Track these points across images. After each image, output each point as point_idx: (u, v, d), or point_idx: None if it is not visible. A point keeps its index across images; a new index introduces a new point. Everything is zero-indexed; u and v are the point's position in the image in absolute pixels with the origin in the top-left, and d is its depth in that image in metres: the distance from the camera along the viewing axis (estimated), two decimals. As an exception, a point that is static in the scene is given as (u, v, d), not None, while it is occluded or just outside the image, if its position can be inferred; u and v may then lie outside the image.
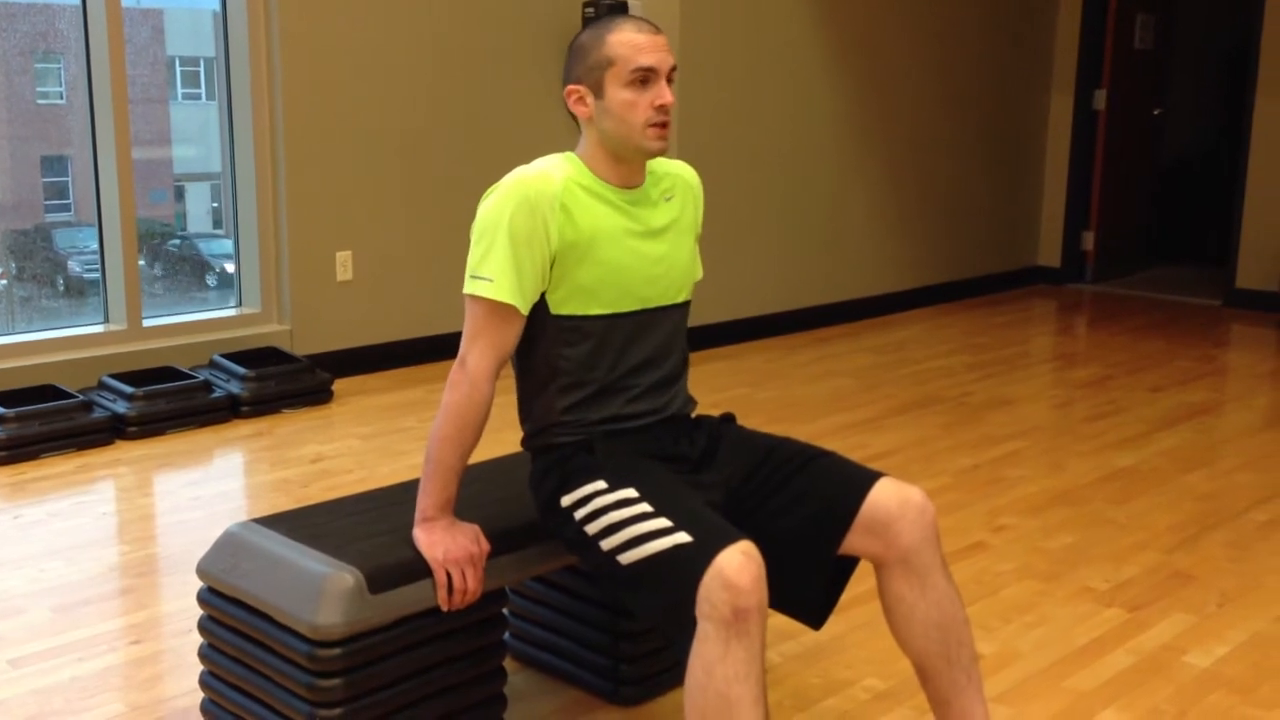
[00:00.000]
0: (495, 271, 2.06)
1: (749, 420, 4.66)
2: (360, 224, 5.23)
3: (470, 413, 2.08)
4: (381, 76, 5.19)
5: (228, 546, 2.20)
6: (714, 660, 1.83)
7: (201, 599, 2.23)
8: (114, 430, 4.30)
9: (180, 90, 5.48)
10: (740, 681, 1.83)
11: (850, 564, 2.19)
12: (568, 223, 2.09)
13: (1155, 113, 8.13)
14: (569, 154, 2.19)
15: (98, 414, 4.27)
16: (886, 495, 2.11)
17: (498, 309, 2.08)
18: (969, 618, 2.17)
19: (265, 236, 5.07)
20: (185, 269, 5.48)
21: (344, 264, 5.20)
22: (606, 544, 2.03)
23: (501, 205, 2.08)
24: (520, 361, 2.21)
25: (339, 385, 5.05)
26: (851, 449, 4.27)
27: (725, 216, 5.89)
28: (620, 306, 2.15)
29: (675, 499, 2.01)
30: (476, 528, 2.16)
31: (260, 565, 2.12)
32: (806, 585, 2.16)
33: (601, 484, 2.07)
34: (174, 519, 3.59)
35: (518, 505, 2.34)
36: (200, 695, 2.37)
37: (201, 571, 2.21)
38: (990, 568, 3.27)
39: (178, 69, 5.46)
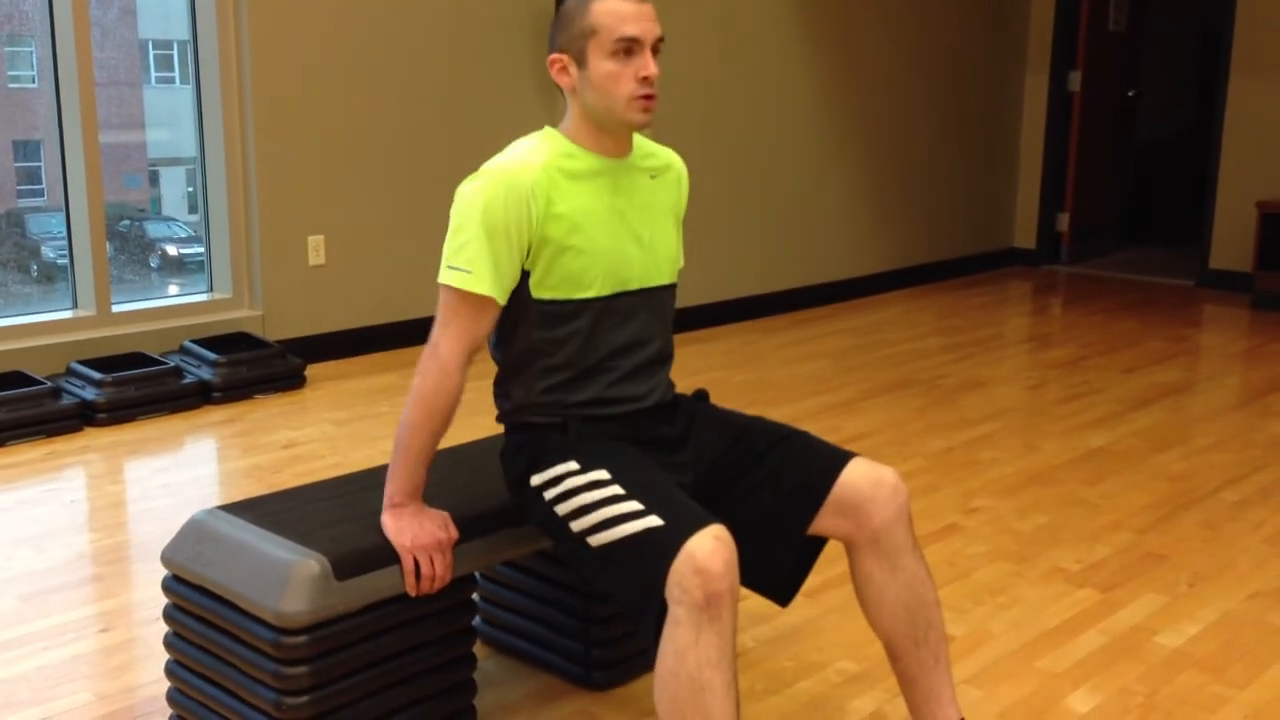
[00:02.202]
0: (472, 262, 2.03)
1: (725, 402, 4.64)
2: (332, 208, 5.19)
3: (440, 400, 2.05)
4: (353, 59, 5.14)
5: (192, 534, 2.17)
6: (686, 645, 1.82)
7: (166, 587, 2.21)
8: (83, 417, 4.26)
9: (154, 74, 5.43)
10: (712, 666, 1.82)
11: (819, 543, 2.19)
12: (548, 211, 2.05)
13: (1130, 94, 8.15)
14: (549, 130, 2.15)
15: (66, 401, 4.23)
16: (859, 475, 2.11)
17: (473, 299, 2.05)
18: (940, 599, 2.16)
19: (236, 221, 5.03)
20: (131, 251, 5.43)
21: (316, 248, 5.16)
22: (577, 525, 2.01)
23: (480, 195, 2.04)
24: (500, 341, 2.18)
25: (311, 370, 5.02)
26: (827, 431, 4.27)
27: (703, 199, 5.87)
28: (602, 290, 2.11)
29: (648, 482, 2.00)
30: (445, 514, 2.14)
31: (225, 553, 2.10)
32: (775, 564, 2.15)
33: (573, 465, 2.05)
34: (144, 506, 3.56)
35: (488, 490, 2.32)
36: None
37: (166, 559, 2.19)
38: (963, 549, 3.27)
39: (151, 52, 5.41)
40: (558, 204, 2.06)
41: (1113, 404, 4.71)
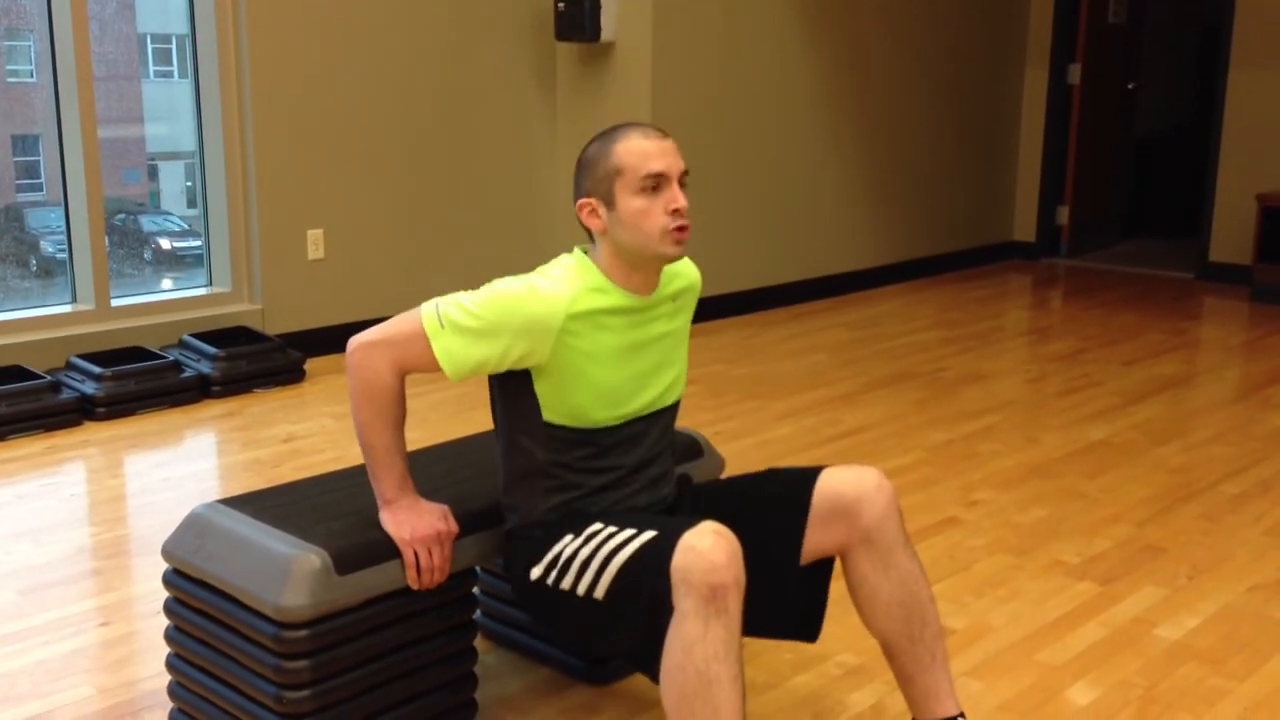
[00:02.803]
0: (454, 331, 2.02)
1: (725, 396, 4.65)
2: (331, 202, 5.19)
3: (381, 395, 2.05)
4: (352, 53, 5.14)
5: (193, 528, 2.17)
6: (694, 639, 1.81)
7: (167, 581, 2.21)
8: (82, 411, 4.26)
9: (153, 68, 5.43)
10: (720, 660, 1.81)
11: (825, 569, 2.18)
12: (567, 344, 2.04)
13: (1129, 87, 8.14)
14: (583, 259, 2.12)
15: (66, 395, 4.22)
16: (837, 480, 2.12)
17: (429, 352, 2.03)
18: (934, 596, 2.17)
19: (235, 215, 5.03)
20: (130, 246, 5.42)
21: (315, 242, 5.16)
22: (582, 588, 2.00)
23: (507, 304, 2.01)
24: (507, 453, 2.17)
25: (311, 364, 5.02)
26: (826, 425, 4.27)
27: (703, 194, 5.87)
28: (610, 420, 2.11)
29: (638, 516, 2.02)
30: (444, 507, 2.14)
31: (226, 546, 2.10)
32: (786, 599, 2.15)
33: (568, 538, 2.06)
34: (144, 500, 3.56)
35: (486, 484, 2.32)
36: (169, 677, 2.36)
37: (167, 553, 2.19)
38: (963, 542, 3.27)
39: (149, 46, 5.40)
40: (578, 339, 2.05)
41: (1112, 397, 4.71)
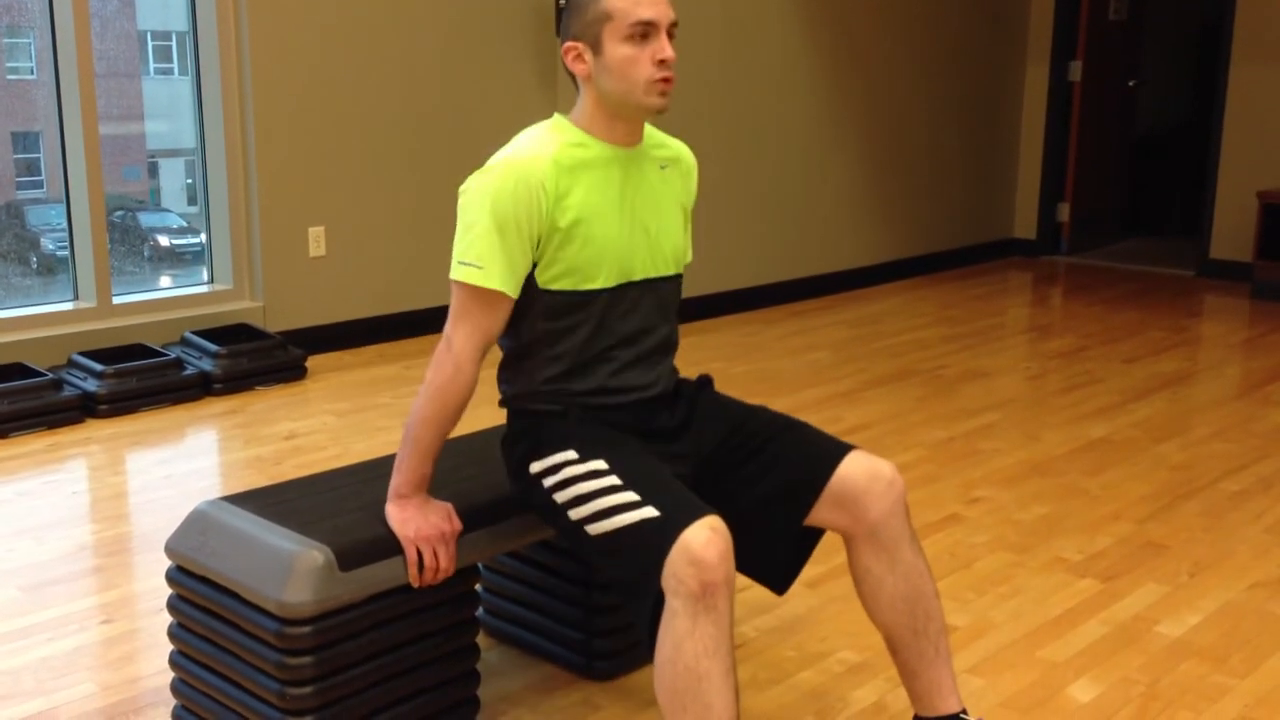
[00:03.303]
0: (483, 258, 2.01)
1: (725, 394, 4.65)
2: (332, 199, 5.19)
3: (453, 394, 2.05)
4: (352, 50, 5.14)
5: (196, 524, 2.18)
6: (683, 635, 1.83)
7: (170, 578, 2.21)
8: (84, 409, 4.26)
9: (153, 65, 5.43)
10: (709, 656, 1.83)
11: (816, 534, 2.19)
12: (557, 205, 2.04)
13: (1130, 84, 8.14)
14: (558, 118, 2.13)
15: (68, 392, 4.23)
16: (856, 468, 2.11)
17: (485, 295, 2.03)
18: (939, 590, 2.17)
19: (236, 212, 5.03)
20: (130, 243, 5.42)
21: (316, 239, 5.16)
22: (575, 514, 2.02)
23: (489, 190, 2.02)
24: (506, 327, 2.18)
25: (312, 362, 5.02)
26: (827, 422, 4.27)
27: (703, 190, 5.85)
28: (608, 282, 2.11)
29: (645, 472, 2.00)
30: (449, 506, 2.15)
31: (229, 543, 2.10)
32: (772, 553, 2.16)
33: (572, 454, 2.05)
34: (146, 497, 3.56)
35: (492, 480, 2.32)
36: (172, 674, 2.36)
37: (170, 550, 2.19)
38: (964, 540, 3.28)
39: (149, 43, 5.40)
40: (567, 196, 2.05)
41: (1113, 394, 4.72)
